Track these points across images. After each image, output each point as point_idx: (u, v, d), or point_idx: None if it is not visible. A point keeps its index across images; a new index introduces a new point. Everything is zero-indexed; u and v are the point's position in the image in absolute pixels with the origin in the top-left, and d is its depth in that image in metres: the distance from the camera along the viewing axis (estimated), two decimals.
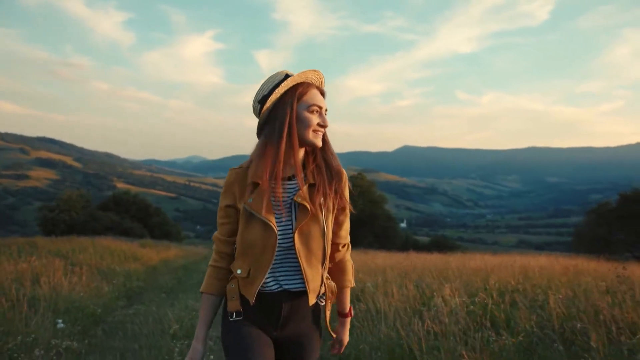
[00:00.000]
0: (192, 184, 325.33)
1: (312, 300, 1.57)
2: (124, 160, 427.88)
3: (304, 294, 1.58)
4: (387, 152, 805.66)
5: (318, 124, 1.55)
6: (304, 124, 1.54)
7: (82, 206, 43.14)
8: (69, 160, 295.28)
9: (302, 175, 1.56)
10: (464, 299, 3.74)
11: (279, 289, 1.56)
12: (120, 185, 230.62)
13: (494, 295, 3.90)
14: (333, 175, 1.61)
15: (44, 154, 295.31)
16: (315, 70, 1.58)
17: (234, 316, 1.57)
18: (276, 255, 1.55)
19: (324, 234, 1.58)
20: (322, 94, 1.60)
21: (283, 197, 1.57)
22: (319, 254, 1.58)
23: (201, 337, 1.58)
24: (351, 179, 41.45)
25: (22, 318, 4.04)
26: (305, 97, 1.55)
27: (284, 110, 1.53)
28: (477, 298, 3.72)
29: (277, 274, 1.57)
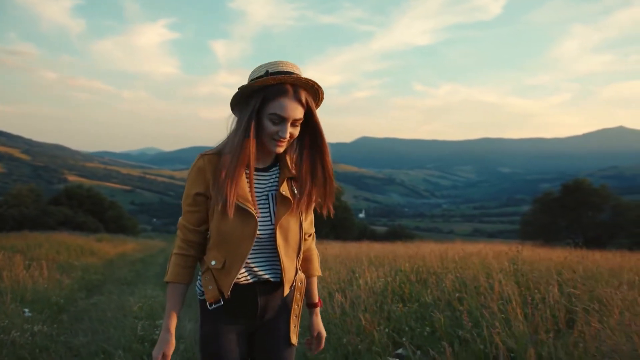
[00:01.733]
0: (147, 176, 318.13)
1: (286, 290, 1.59)
2: (75, 152, 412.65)
3: (278, 284, 1.59)
4: (346, 144, 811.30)
5: (277, 134, 1.48)
6: (262, 130, 1.48)
7: (33, 201, 42.00)
8: (16, 152, 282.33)
9: (252, 174, 1.53)
10: (382, 280, 4.46)
11: (254, 280, 1.56)
12: (72, 178, 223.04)
13: (410, 276, 4.64)
14: (317, 175, 1.58)
15: None
16: (299, 77, 1.46)
17: (212, 306, 1.54)
18: (253, 246, 1.53)
19: (300, 227, 1.60)
20: (302, 102, 1.48)
21: (259, 188, 1.56)
22: (295, 246, 1.60)
23: (171, 328, 1.52)
24: None
25: None
26: (270, 104, 1.46)
27: (247, 110, 1.48)
28: (389, 278, 4.46)
29: (252, 265, 1.55)
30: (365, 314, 3.37)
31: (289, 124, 1.47)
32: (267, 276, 1.57)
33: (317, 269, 1.77)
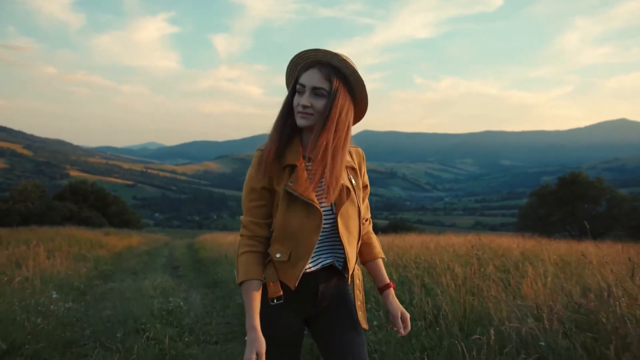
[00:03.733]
0: (149, 171, 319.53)
1: (348, 278, 1.62)
2: (77, 148, 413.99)
3: (337, 271, 1.61)
4: None
5: (300, 104, 1.49)
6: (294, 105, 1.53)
7: (38, 196, 42.78)
8: (18, 148, 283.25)
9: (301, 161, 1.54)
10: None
11: (317, 267, 1.58)
12: (74, 173, 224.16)
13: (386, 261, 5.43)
14: (354, 155, 1.64)
15: None
16: (326, 51, 1.49)
17: (275, 301, 1.54)
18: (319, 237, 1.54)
19: (359, 214, 1.60)
20: (327, 75, 1.49)
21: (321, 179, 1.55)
22: (356, 233, 1.60)
23: (257, 327, 1.49)
24: None
25: (30, 288, 5.23)
26: (299, 78, 1.52)
27: (288, 91, 1.57)
28: None
29: (315, 256, 1.57)
30: None
31: (309, 93, 1.48)
32: (327, 262, 1.59)
33: (380, 252, 1.76)
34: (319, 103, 1.48)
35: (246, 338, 1.49)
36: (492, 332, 1.98)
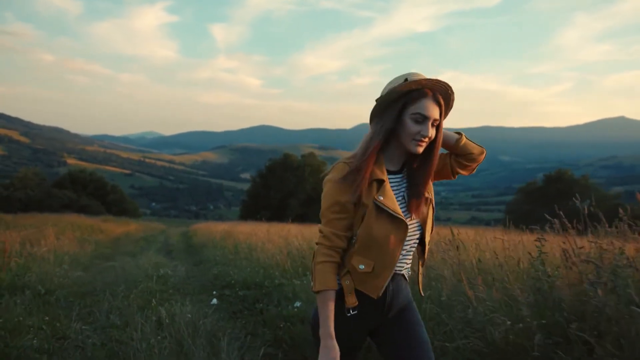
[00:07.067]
0: (147, 160, 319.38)
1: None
2: (75, 136, 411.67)
3: (405, 279, 1.71)
4: (345, 130, 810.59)
5: (420, 134, 1.59)
6: (404, 130, 1.60)
7: (37, 184, 43.80)
8: (15, 134, 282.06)
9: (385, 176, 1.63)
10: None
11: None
12: (72, 161, 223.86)
13: None
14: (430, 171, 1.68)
15: None
16: (439, 81, 1.60)
17: (351, 312, 1.61)
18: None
19: (434, 213, 1.73)
20: (440, 104, 1.61)
21: (395, 190, 1.65)
22: (431, 230, 1.72)
23: (333, 334, 1.57)
24: (303, 157, 43.89)
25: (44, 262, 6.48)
26: (412, 106, 1.58)
27: (390, 114, 1.61)
28: None
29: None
30: (288, 259, 5.63)
31: (430, 124, 1.60)
32: (403, 272, 1.69)
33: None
34: (433, 132, 1.63)
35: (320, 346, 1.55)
36: None
